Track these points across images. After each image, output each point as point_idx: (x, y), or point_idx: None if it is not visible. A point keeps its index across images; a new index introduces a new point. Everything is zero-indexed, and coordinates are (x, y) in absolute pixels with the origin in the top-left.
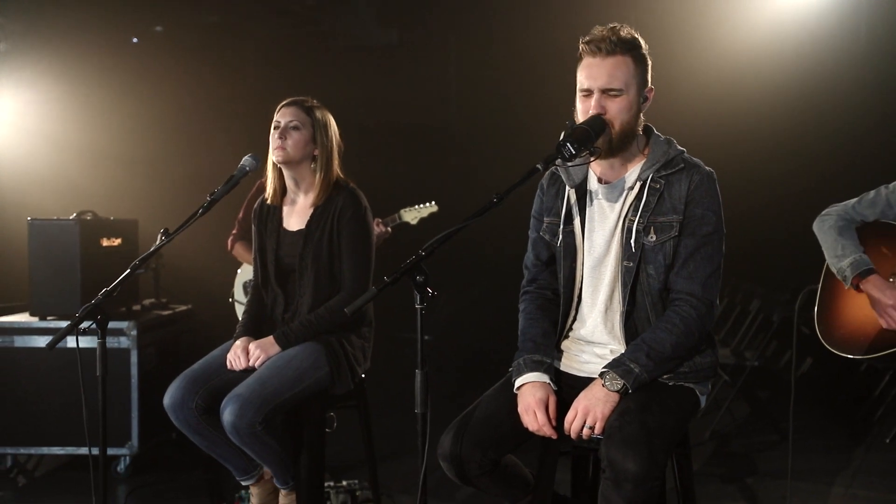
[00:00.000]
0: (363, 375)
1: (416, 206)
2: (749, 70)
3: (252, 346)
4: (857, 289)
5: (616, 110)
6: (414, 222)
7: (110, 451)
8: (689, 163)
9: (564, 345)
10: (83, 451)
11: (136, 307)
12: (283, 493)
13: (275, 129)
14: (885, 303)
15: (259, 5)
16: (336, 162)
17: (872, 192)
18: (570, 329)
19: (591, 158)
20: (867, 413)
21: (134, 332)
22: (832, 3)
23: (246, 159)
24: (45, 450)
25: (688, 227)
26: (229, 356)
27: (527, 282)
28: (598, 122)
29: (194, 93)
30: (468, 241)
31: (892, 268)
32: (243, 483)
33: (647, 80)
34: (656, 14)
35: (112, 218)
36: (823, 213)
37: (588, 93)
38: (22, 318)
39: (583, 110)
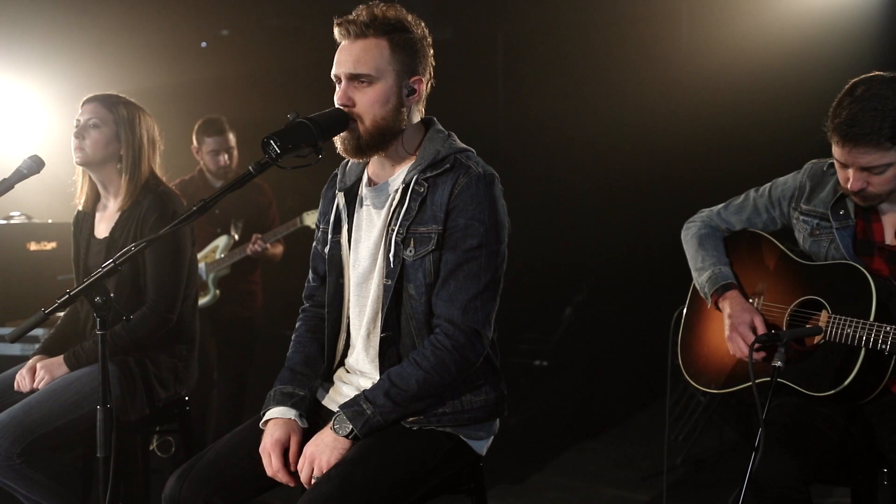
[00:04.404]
0: (187, 398)
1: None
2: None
3: (39, 366)
4: (718, 307)
5: (366, 102)
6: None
7: None
8: (458, 163)
9: (338, 374)
10: None
11: None
12: None
13: (75, 127)
14: (735, 322)
15: (316, 6)
16: (146, 162)
17: (741, 196)
18: (345, 356)
19: (319, 156)
20: None
21: None
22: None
23: (24, 161)
24: None
25: (449, 239)
26: (17, 377)
27: (304, 298)
28: (333, 116)
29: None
30: None
31: (755, 287)
32: None
33: (413, 69)
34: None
35: (50, 221)
36: (690, 219)
37: (338, 80)
38: None
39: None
